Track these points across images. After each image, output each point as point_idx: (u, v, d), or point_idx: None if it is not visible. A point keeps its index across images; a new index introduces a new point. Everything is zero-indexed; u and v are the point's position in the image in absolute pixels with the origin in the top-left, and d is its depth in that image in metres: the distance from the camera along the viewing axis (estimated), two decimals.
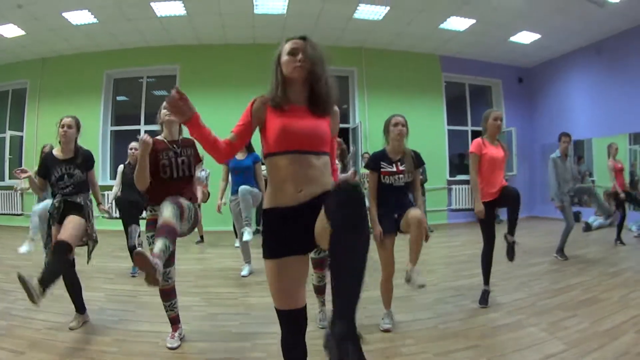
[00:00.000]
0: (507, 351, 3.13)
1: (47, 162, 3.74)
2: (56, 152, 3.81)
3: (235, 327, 3.71)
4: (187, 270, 5.38)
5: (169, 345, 3.25)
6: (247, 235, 5.18)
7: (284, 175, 1.92)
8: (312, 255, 3.48)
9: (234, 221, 5.90)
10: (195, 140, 3.15)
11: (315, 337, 3.36)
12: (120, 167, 5.84)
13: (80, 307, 3.76)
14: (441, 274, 5.53)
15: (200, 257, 5.77)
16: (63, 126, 3.80)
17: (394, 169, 3.61)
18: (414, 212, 3.41)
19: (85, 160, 3.85)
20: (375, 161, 3.66)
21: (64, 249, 3.35)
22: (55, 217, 3.64)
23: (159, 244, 2.77)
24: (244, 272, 5.55)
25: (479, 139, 4.34)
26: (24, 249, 5.62)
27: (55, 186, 3.70)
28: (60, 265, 3.31)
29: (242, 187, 5.23)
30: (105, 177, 10.51)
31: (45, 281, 3.05)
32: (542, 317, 3.84)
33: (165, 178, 3.28)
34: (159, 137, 3.41)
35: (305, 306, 1.99)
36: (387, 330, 3.59)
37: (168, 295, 3.33)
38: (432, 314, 4.04)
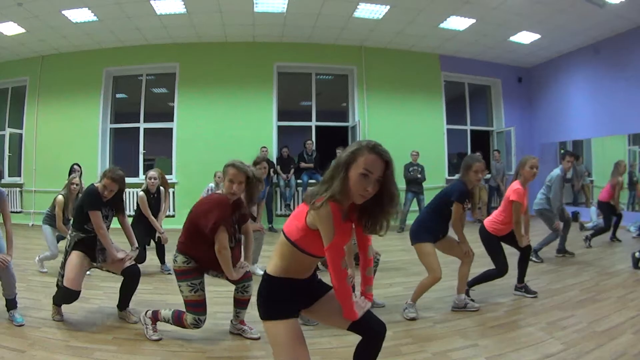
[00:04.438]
0: (505, 351, 3.15)
1: None
2: None
3: None
4: None
5: (156, 338, 3.40)
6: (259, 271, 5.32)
7: (303, 268, 2.04)
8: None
9: None
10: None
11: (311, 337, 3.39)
12: (142, 194, 5.75)
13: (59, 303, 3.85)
14: None
15: None
16: None
17: (469, 206, 4.07)
18: (471, 254, 4.10)
19: None
20: (464, 196, 3.95)
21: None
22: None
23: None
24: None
25: (520, 188, 4.39)
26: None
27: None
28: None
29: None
30: None
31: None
32: (540, 316, 3.86)
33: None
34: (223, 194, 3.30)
35: None
36: (413, 319, 3.85)
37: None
38: (431, 313, 4.05)
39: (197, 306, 3.27)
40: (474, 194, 4.12)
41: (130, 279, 3.86)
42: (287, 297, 1.99)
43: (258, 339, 3.39)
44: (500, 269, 4.34)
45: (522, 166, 4.50)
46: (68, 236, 3.87)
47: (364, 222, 1.98)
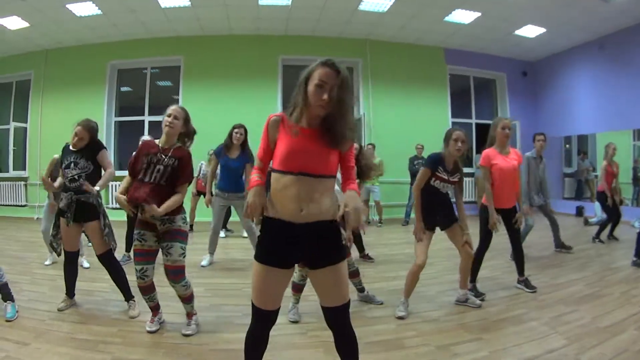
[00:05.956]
0: (508, 345, 3.15)
1: None
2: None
3: (238, 317, 3.72)
4: (192, 261, 5.38)
5: (148, 329, 3.39)
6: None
7: (287, 194, 1.98)
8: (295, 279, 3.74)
9: (213, 216, 5.72)
10: (189, 155, 3.33)
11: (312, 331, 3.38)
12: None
13: (71, 292, 3.95)
14: (442, 266, 5.54)
15: (204, 249, 5.79)
16: None
17: (446, 178, 3.87)
18: (468, 248, 3.88)
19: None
20: (435, 163, 3.88)
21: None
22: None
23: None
24: (204, 263, 5.71)
25: (487, 150, 4.41)
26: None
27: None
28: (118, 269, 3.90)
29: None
30: None
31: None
32: (544, 311, 3.86)
33: (139, 179, 3.22)
34: (156, 141, 3.40)
35: (279, 308, 2.10)
36: (401, 318, 3.73)
37: (146, 290, 3.38)
38: (434, 306, 4.06)
39: (137, 255, 3.31)
40: (459, 166, 4.00)
41: (105, 265, 3.87)
42: (269, 242, 2.03)
43: None
44: (481, 246, 4.39)
45: (494, 128, 4.42)
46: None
47: (329, 136, 2.02)
